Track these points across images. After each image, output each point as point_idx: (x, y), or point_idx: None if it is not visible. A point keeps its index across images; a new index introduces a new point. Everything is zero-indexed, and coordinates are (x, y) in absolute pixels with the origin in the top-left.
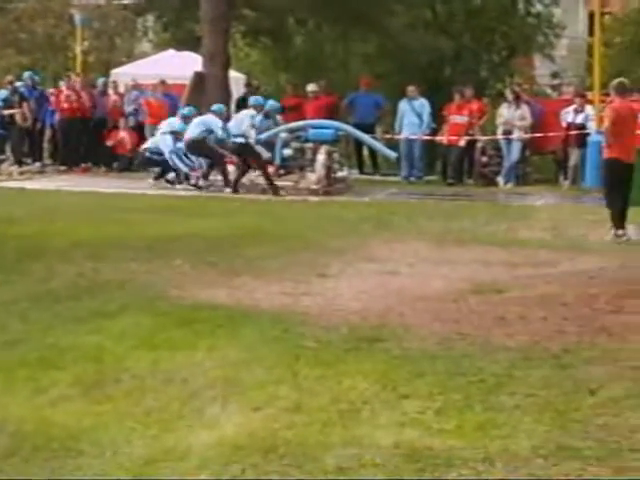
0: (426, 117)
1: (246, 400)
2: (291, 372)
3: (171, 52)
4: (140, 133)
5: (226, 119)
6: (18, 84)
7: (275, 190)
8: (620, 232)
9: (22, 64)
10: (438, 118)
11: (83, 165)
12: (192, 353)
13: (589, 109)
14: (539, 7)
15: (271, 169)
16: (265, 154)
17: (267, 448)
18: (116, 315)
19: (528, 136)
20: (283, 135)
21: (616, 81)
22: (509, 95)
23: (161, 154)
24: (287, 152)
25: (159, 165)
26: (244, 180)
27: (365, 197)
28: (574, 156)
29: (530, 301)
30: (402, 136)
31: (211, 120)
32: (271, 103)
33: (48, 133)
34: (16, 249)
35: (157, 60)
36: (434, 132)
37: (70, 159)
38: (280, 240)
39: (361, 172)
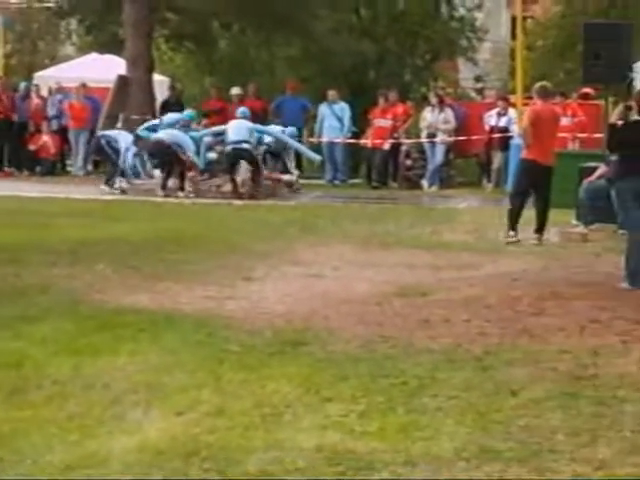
0: (347, 121)
1: (168, 405)
2: (214, 376)
3: (94, 55)
4: (63, 137)
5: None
6: None
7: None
8: (511, 233)
9: None
10: (362, 122)
11: (6, 169)
12: (114, 358)
13: (512, 112)
14: (462, 11)
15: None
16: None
17: (189, 452)
18: (37, 320)
19: (452, 139)
20: (207, 139)
21: (538, 84)
22: (433, 99)
23: (116, 149)
24: (211, 156)
25: (107, 158)
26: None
27: (290, 200)
28: (497, 159)
29: (453, 304)
30: (324, 139)
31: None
32: None
33: None
34: None
35: (80, 63)
36: (356, 135)
37: None
38: (205, 244)
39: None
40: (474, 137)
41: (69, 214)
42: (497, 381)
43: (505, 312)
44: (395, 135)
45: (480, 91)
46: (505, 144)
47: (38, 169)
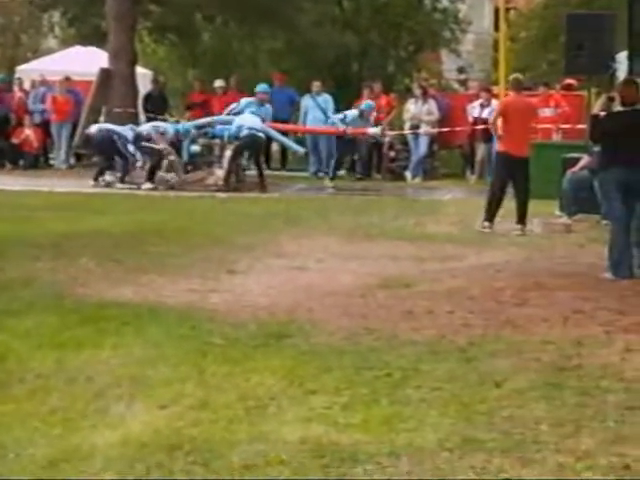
0: (330, 113)
1: (152, 398)
2: (198, 369)
3: (77, 48)
4: (46, 130)
5: (135, 117)
6: None
7: None
8: (485, 223)
9: None
10: None
11: None
12: (98, 351)
13: (495, 104)
14: (445, 3)
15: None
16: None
17: (172, 446)
18: (21, 314)
19: (435, 131)
20: (191, 132)
21: (512, 77)
22: (416, 90)
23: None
24: (195, 148)
25: (116, 153)
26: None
27: (274, 193)
28: (481, 150)
29: (437, 295)
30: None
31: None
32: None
33: None
34: None
35: (63, 56)
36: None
37: None
38: (188, 237)
39: (269, 168)
40: (457, 128)
41: (52, 207)
42: (481, 372)
43: (488, 303)
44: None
45: (463, 82)
46: (488, 135)
47: (21, 163)
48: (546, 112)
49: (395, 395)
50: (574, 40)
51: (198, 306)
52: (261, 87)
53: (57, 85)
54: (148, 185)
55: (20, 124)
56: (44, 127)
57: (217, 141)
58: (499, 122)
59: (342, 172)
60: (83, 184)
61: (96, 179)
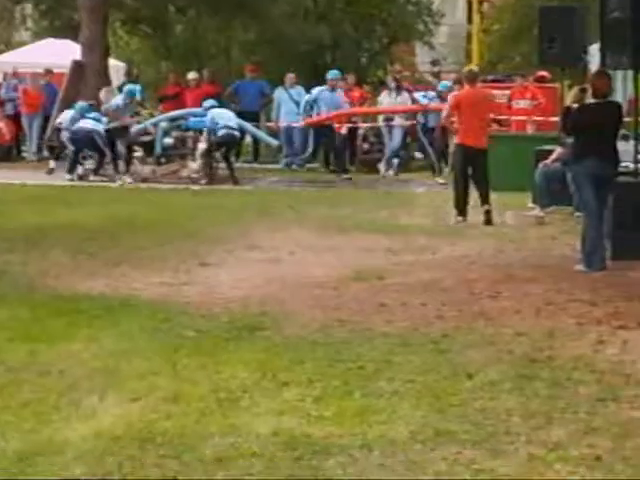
0: (303, 105)
1: (124, 391)
2: (170, 362)
3: (50, 40)
4: (17, 122)
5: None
6: None
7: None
8: (459, 218)
9: None
10: None
11: None
12: (70, 344)
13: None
14: None
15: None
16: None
17: (144, 439)
18: None
19: (409, 123)
20: (164, 124)
21: (466, 69)
22: (390, 82)
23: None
24: (168, 141)
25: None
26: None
27: (247, 185)
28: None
29: (410, 287)
30: (282, 124)
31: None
32: None
33: None
34: None
35: (36, 49)
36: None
37: None
38: (161, 229)
39: (238, 160)
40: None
41: (24, 200)
42: (453, 364)
43: (461, 295)
44: (352, 119)
45: (437, 75)
46: None
47: None
48: (521, 104)
49: (368, 387)
50: (547, 32)
51: (171, 299)
52: (332, 73)
53: (28, 77)
54: (126, 179)
55: None
56: (16, 119)
57: (190, 134)
58: (453, 116)
59: (316, 164)
60: (56, 177)
61: (70, 171)
